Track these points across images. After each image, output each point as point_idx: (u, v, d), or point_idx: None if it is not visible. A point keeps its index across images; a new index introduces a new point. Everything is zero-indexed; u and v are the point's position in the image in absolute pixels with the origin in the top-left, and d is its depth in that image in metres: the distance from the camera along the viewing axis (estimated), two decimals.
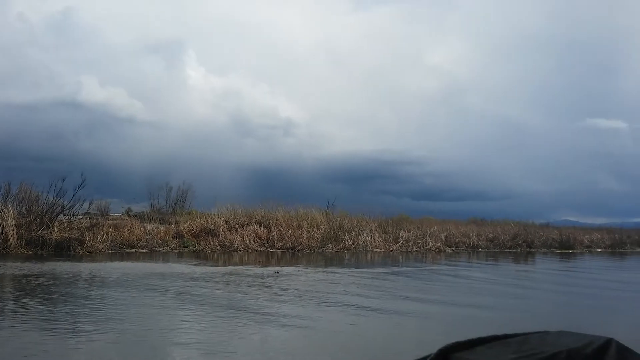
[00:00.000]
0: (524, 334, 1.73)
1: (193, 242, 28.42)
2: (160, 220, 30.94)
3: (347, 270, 21.17)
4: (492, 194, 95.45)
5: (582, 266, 29.22)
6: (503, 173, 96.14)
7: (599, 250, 41.59)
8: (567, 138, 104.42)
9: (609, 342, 1.64)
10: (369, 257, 28.89)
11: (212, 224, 29.60)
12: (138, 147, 69.47)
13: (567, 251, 38.81)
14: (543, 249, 38.75)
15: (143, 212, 32.52)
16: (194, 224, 29.71)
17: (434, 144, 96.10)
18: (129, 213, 33.64)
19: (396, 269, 23.04)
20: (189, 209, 33.82)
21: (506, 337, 1.68)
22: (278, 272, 18.98)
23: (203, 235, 29.09)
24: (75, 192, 25.71)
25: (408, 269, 23.05)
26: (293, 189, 68.46)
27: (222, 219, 30.30)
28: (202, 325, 9.68)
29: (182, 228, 29.30)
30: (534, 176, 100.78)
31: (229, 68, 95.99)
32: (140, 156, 65.16)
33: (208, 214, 31.23)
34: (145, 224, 29.35)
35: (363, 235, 32.75)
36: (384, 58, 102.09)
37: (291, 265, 21.98)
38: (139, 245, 26.91)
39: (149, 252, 26.29)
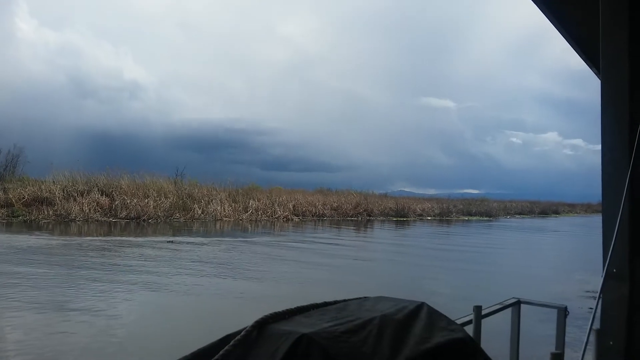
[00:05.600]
0: (344, 300, 1.77)
1: (24, 212, 26.29)
2: None
3: (187, 240, 21.34)
4: (338, 165, 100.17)
5: (413, 234, 32.65)
6: (348, 145, 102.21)
7: (429, 218, 46.57)
8: (405, 114, 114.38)
9: (420, 306, 1.75)
10: (218, 227, 29.21)
11: (46, 192, 27.58)
12: None
13: (402, 219, 42.91)
14: (381, 217, 42.43)
15: None
16: (25, 191, 27.37)
17: (284, 115, 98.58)
18: None
19: (242, 239, 23.76)
20: (20, 176, 30.88)
21: (326, 304, 1.69)
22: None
23: (36, 204, 27.02)
24: None
25: (254, 239, 23.91)
26: (140, 155, 65.34)
27: (59, 186, 28.38)
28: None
29: (11, 196, 26.86)
30: (376, 149, 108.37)
31: (66, 23, 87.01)
32: None
33: (42, 181, 28.97)
34: None
35: (213, 204, 32.97)
36: (236, 26, 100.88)
37: (133, 236, 21.56)
38: None
39: None
